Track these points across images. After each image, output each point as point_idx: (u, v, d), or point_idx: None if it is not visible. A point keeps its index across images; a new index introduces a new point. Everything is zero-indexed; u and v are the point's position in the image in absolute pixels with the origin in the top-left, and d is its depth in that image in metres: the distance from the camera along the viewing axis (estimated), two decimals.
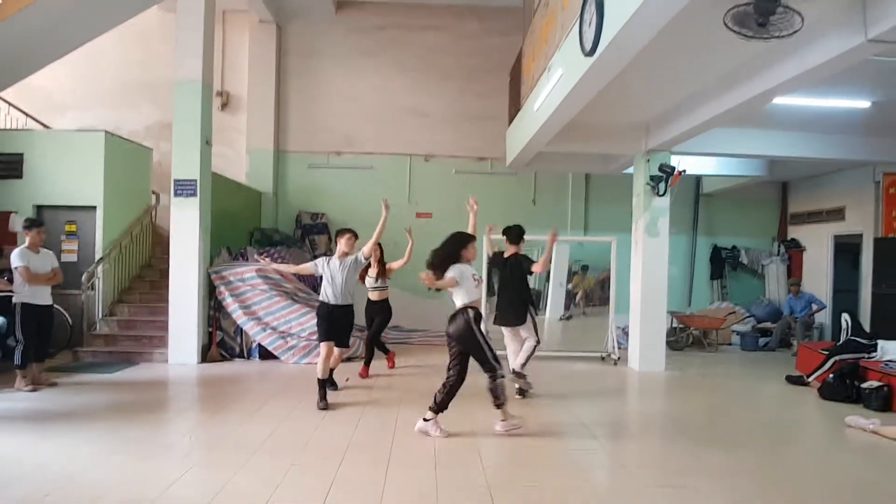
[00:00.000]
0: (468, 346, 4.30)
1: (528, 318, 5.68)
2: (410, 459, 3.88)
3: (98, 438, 4.19)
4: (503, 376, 4.39)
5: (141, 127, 10.13)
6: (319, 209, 10.20)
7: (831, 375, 6.15)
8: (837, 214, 9.71)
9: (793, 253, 10.85)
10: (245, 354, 7.37)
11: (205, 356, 7.18)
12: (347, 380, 6.11)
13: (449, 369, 4.37)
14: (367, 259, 5.42)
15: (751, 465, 4.01)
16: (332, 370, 5.50)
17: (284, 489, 3.36)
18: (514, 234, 5.77)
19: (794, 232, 11.00)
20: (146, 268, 8.64)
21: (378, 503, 3.21)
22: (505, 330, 5.87)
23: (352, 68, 10.39)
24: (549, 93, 5.91)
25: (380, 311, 6.60)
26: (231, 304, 7.24)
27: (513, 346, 5.82)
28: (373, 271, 6.54)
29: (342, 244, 5.37)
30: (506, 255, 5.82)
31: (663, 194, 7.12)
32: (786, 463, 4.14)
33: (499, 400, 4.36)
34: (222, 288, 7.32)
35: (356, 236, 5.49)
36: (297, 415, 4.93)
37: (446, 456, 3.96)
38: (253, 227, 9.67)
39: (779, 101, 5.62)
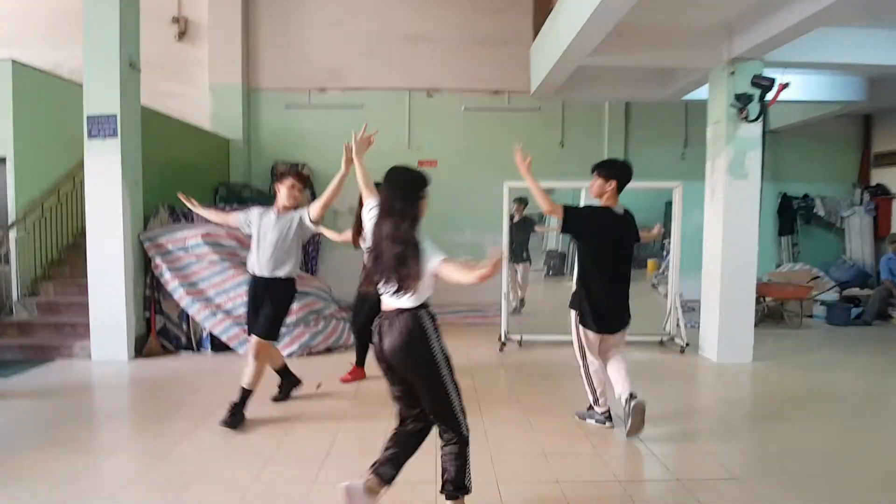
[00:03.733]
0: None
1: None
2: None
3: None
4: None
5: None
6: (300, 159, 8.36)
7: None
8: None
9: (879, 201, 8.98)
10: (194, 345, 5.67)
11: (141, 349, 5.52)
12: (319, 386, 4.44)
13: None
14: (315, 222, 3.64)
15: None
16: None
17: None
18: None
19: (879, 176, 9.19)
20: (83, 236, 6.91)
21: None
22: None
23: None
24: None
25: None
26: (171, 281, 5.48)
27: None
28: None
29: (282, 194, 3.68)
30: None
31: (756, 119, 5.15)
32: None
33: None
34: (158, 260, 5.54)
35: (305, 183, 3.74)
36: (255, 428, 3.44)
37: None
38: (218, 183, 7.89)
39: None
